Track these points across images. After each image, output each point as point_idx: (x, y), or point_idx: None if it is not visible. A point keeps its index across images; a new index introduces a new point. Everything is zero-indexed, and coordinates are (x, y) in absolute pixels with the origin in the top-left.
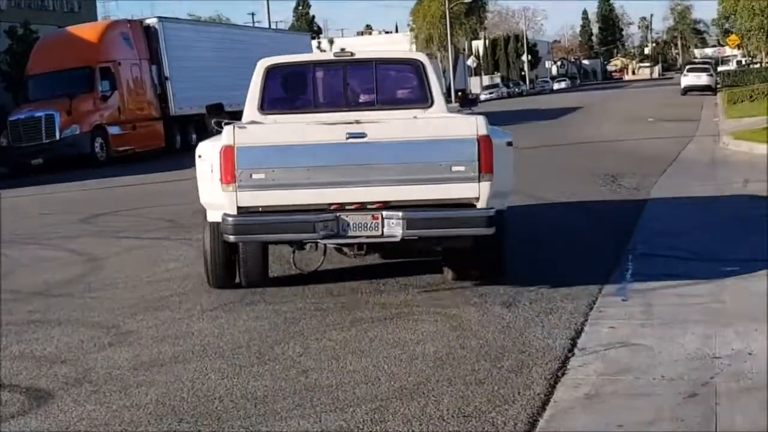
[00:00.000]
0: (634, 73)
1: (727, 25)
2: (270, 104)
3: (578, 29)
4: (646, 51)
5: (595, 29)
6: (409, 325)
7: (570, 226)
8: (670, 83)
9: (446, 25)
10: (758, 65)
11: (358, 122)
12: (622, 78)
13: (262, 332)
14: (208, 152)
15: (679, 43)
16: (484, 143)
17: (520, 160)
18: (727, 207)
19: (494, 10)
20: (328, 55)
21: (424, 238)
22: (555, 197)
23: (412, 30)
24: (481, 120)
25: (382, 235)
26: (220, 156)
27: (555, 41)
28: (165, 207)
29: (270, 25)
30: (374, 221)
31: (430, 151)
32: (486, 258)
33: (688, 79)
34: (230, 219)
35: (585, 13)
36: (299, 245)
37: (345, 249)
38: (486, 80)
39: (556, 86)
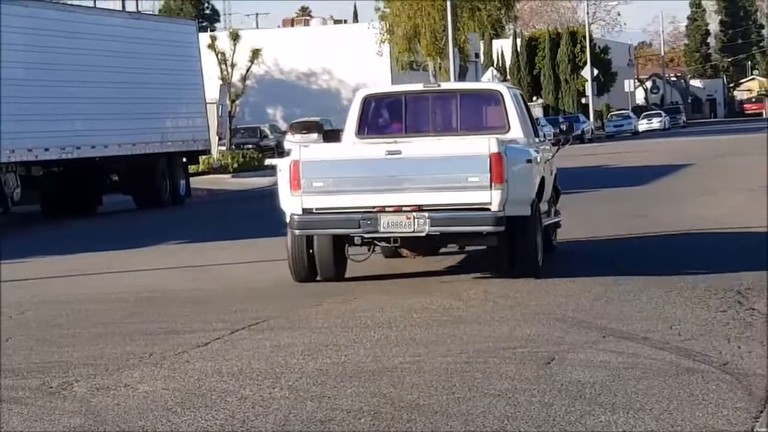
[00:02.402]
0: None
1: None
2: (366, 130)
3: (684, 25)
4: None
5: (714, 25)
6: None
7: None
8: None
9: (446, 12)
10: None
11: (396, 142)
12: (761, 113)
13: None
14: (284, 165)
15: None
16: (495, 159)
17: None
18: None
19: None
20: (418, 87)
21: (446, 234)
22: None
23: (383, 19)
24: (493, 140)
25: (413, 231)
26: (289, 168)
27: (642, 44)
28: None
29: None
30: (407, 220)
31: (452, 165)
32: (519, 257)
33: None
34: (296, 217)
35: None
36: (350, 240)
37: (403, 251)
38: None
39: (643, 125)
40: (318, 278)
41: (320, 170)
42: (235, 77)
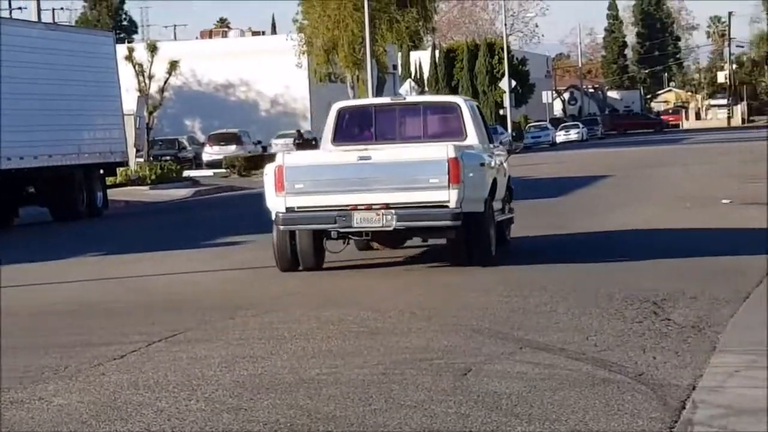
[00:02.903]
0: (699, 116)
1: None
2: (341, 138)
3: (601, 36)
4: (721, 78)
5: (631, 36)
6: None
7: None
8: (762, 136)
9: (364, 23)
10: None
11: (366, 149)
12: (677, 124)
13: None
14: (269, 170)
15: None
16: (453, 162)
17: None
18: None
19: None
20: (386, 100)
21: (412, 228)
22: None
23: (302, 30)
24: (451, 147)
25: (382, 226)
26: (274, 172)
27: (560, 56)
28: None
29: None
30: (377, 217)
31: (415, 168)
32: (475, 248)
33: None
34: (280, 214)
35: (613, 6)
36: (327, 234)
37: (374, 244)
38: None
39: (561, 137)
40: (300, 268)
41: (301, 174)
42: (153, 89)
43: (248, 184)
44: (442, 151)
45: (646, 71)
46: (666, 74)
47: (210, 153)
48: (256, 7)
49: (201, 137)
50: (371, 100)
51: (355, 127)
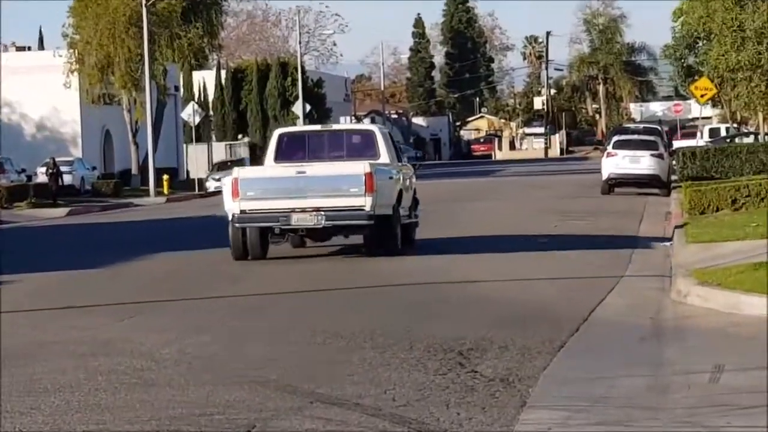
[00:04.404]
0: (513, 145)
1: (692, 59)
2: (281, 157)
3: (406, 57)
4: (538, 104)
5: (439, 57)
6: None
7: None
8: (582, 169)
9: (142, 38)
10: (753, 136)
11: (302, 165)
12: (489, 154)
13: None
14: (227, 181)
15: (600, 90)
16: (368, 176)
17: None
18: None
19: (242, 10)
20: (317, 127)
21: (337, 226)
22: None
23: (72, 46)
24: (367, 164)
25: (314, 224)
26: (231, 183)
27: (360, 77)
28: None
29: None
30: (310, 217)
31: (339, 180)
32: (384, 241)
33: (617, 162)
34: (236, 216)
35: (419, 24)
36: (272, 232)
37: (306, 240)
38: (221, 150)
39: None
40: (249, 257)
41: (252, 184)
42: None
43: (11, 217)
44: (360, 167)
45: (456, 96)
46: (477, 99)
47: None
48: (21, 18)
49: None
50: (305, 127)
51: (292, 149)
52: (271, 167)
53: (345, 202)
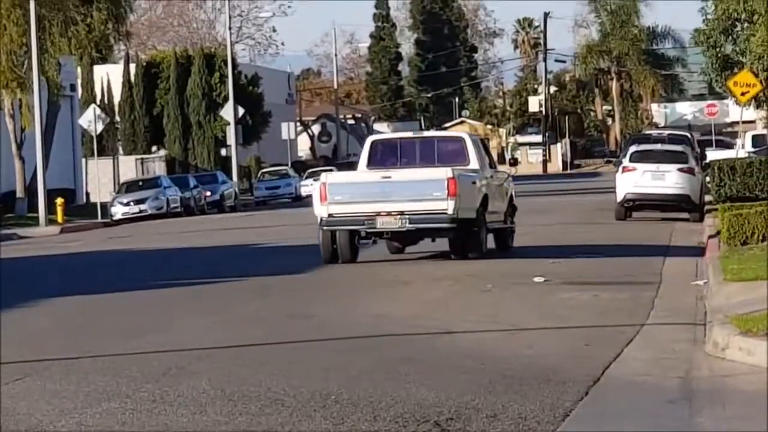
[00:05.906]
0: (503, 158)
1: (730, 47)
2: (373, 163)
3: (366, 46)
4: (534, 106)
5: (408, 46)
6: None
7: None
8: (591, 187)
9: (29, 25)
10: None
11: (389, 170)
12: None
13: None
14: (316, 186)
15: (613, 87)
16: (450, 180)
17: None
18: None
19: None
20: (409, 134)
21: (420, 229)
22: None
23: None
24: (449, 170)
25: (398, 227)
26: (320, 188)
27: (307, 72)
28: None
29: None
30: (395, 220)
31: (423, 185)
32: (469, 245)
33: (635, 180)
34: (324, 219)
35: (382, 5)
36: (358, 235)
37: (394, 243)
38: (130, 166)
39: (308, 188)
40: (339, 261)
41: (339, 189)
42: None
43: None
44: (443, 172)
45: (429, 95)
46: (457, 99)
47: None
48: None
49: None
50: (397, 134)
51: (384, 155)
52: (357, 172)
53: (428, 206)
